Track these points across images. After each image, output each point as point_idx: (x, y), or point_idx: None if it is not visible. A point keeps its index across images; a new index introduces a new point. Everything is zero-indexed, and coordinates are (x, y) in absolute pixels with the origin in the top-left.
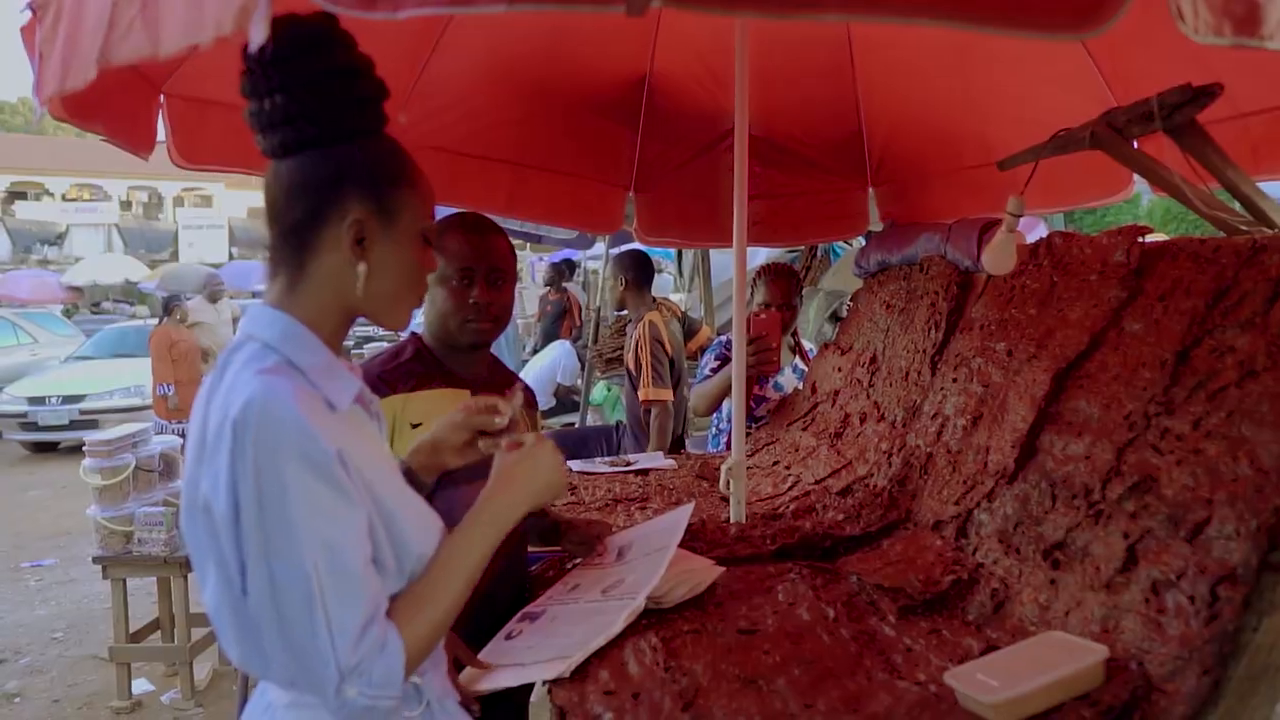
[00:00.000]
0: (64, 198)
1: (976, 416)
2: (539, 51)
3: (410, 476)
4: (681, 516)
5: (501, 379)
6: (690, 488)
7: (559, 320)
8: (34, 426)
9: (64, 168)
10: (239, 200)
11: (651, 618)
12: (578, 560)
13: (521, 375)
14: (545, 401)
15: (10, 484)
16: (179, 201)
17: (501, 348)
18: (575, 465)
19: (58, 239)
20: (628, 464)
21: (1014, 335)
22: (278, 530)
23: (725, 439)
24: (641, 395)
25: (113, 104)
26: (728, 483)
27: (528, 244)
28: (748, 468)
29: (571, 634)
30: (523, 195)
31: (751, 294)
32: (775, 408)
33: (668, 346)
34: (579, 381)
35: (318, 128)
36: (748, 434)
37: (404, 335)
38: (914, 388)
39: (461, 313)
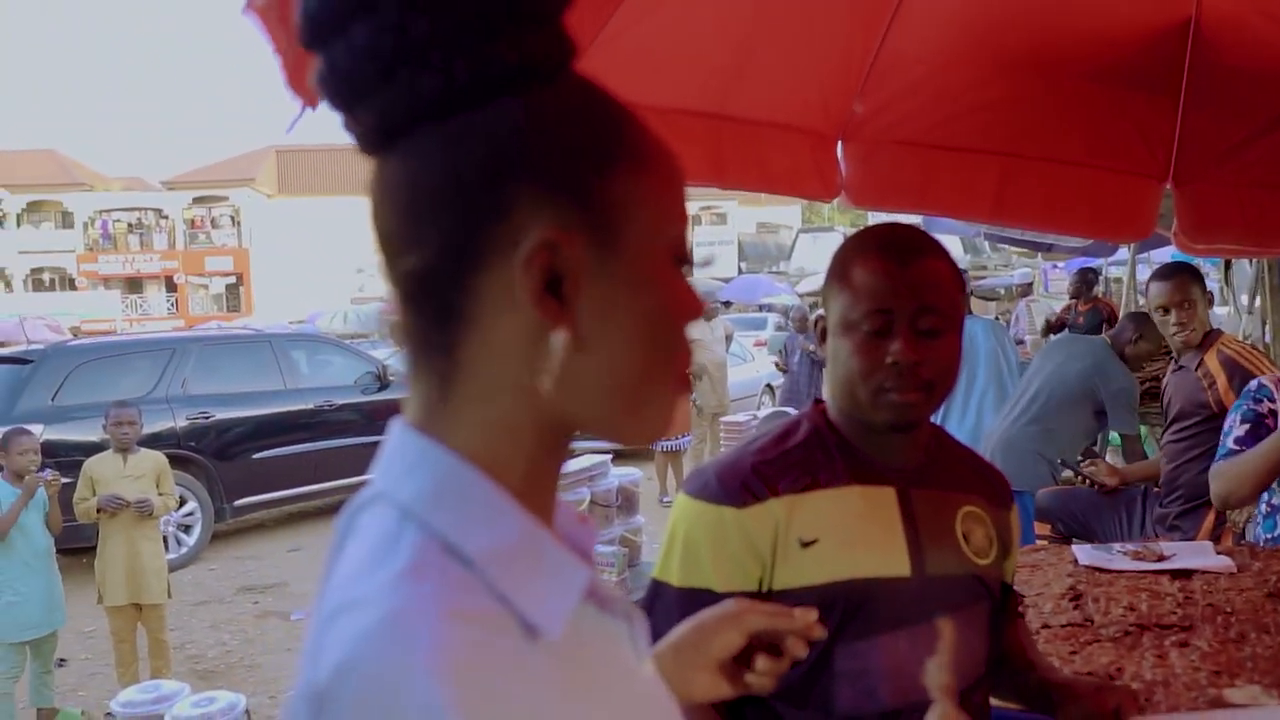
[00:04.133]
0: None
1: None
2: (1028, 5)
3: None
4: None
5: (952, 468)
6: (1259, 614)
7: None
8: None
9: None
10: (749, 216)
11: None
12: None
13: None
14: None
15: None
16: (695, 220)
17: (988, 390)
18: (1083, 555)
19: None
20: (1160, 558)
21: None
22: None
23: None
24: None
25: None
26: None
27: (1039, 253)
28: None
29: None
30: (1015, 194)
31: None
32: None
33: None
34: None
35: (441, 73)
36: None
37: (799, 409)
38: None
39: (875, 376)
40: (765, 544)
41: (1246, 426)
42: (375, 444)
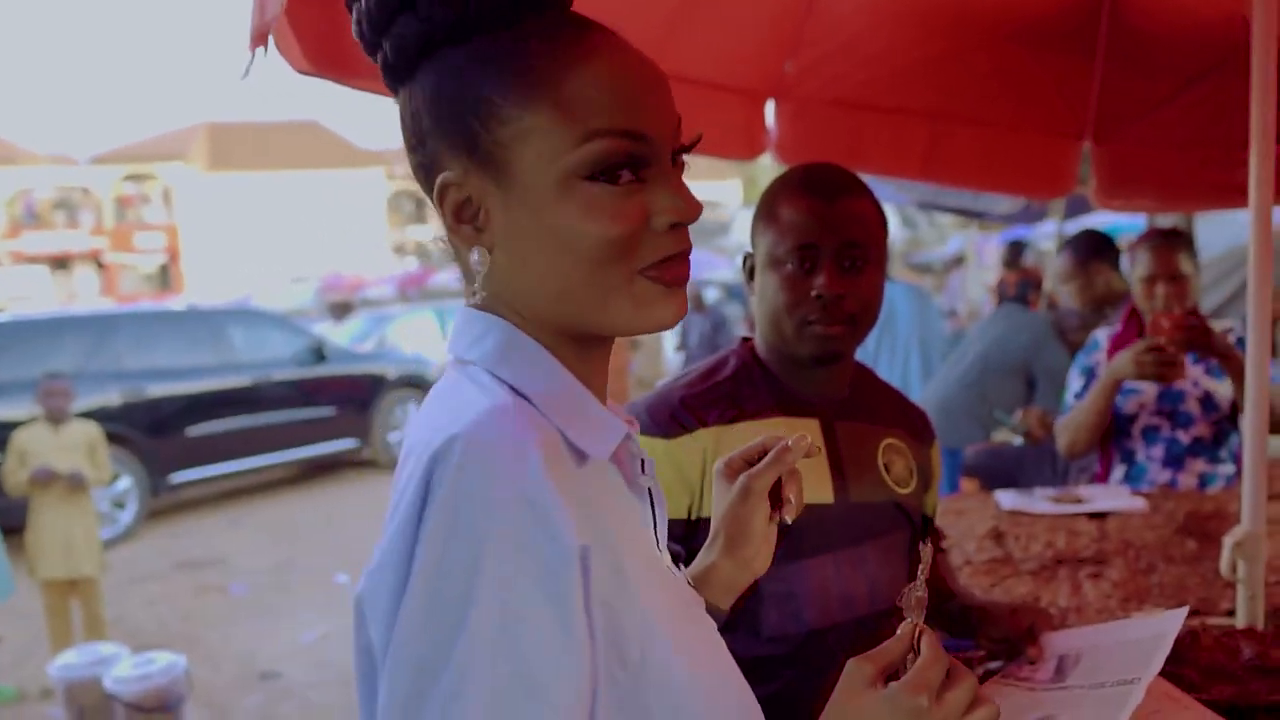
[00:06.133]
0: None
1: None
2: None
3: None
4: (1163, 631)
5: (875, 402)
6: (1170, 548)
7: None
8: None
9: None
10: None
11: None
12: (996, 665)
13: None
14: None
15: None
16: None
17: (910, 355)
18: (1006, 499)
19: None
20: (1079, 501)
21: None
22: (441, 650)
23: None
24: None
25: None
26: (1234, 565)
27: (974, 221)
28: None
29: None
30: (942, 153)
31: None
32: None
33: None
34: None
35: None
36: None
37: (728, 345)
38: None
39: (800, 309)
40: (694, 473)
41: (1082, 381)
42: (314, 419)
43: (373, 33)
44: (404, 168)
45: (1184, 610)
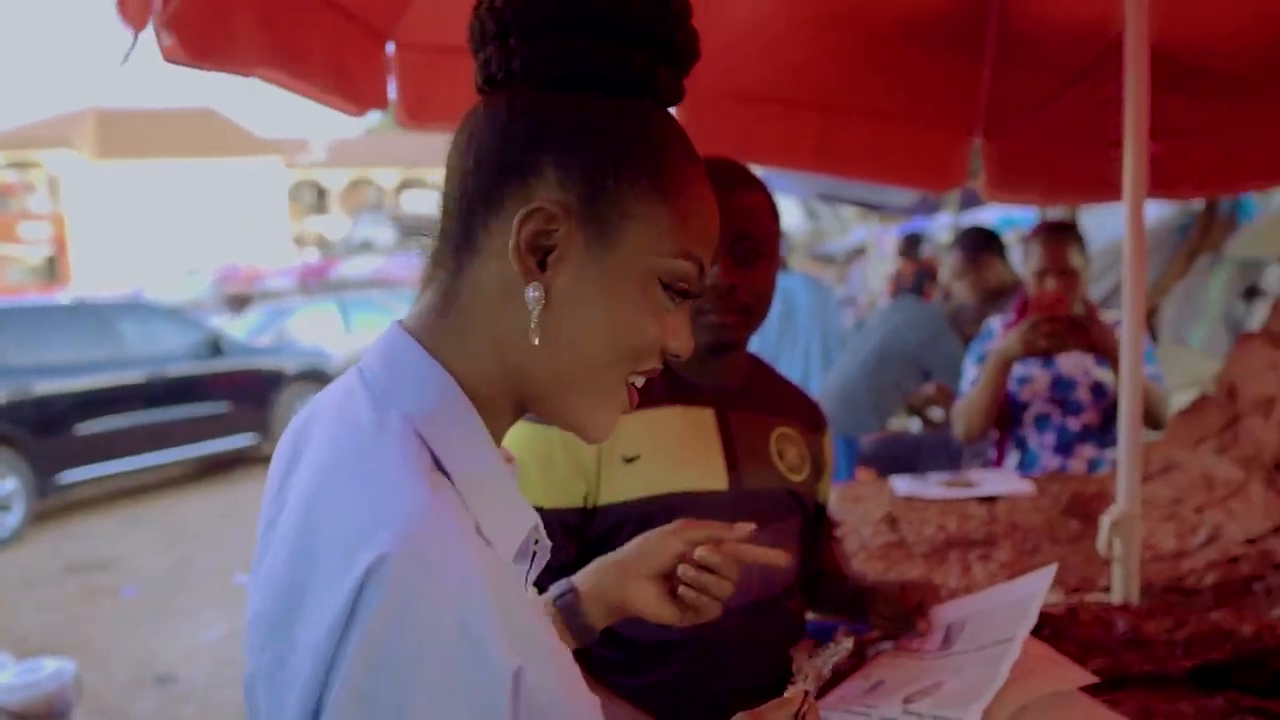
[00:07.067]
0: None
1: None
2: None
3: (569, 609)
4: (1034, 590)
5: (768, 393)
6: (1055, 529)
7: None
8: None
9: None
10: None
11: None
12: (886, 645)
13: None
14: None
15: None
16: None
17: (810, 346)
18: (900, 485)
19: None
20: (970, 485)
21: None
22: None
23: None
24: None
25: (322, 54)
26: (1111, 543)
27: (874, 214)
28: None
29: None
30: (835, 146)
31: (1025, 261)
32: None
33: None
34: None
35: (535, 51)
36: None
37: None
38: None
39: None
40: (590, 462)
41: (978, 369)
42: (210, 415)
43: (540, 28)
44: (305, 157)
45: (1052, 568)
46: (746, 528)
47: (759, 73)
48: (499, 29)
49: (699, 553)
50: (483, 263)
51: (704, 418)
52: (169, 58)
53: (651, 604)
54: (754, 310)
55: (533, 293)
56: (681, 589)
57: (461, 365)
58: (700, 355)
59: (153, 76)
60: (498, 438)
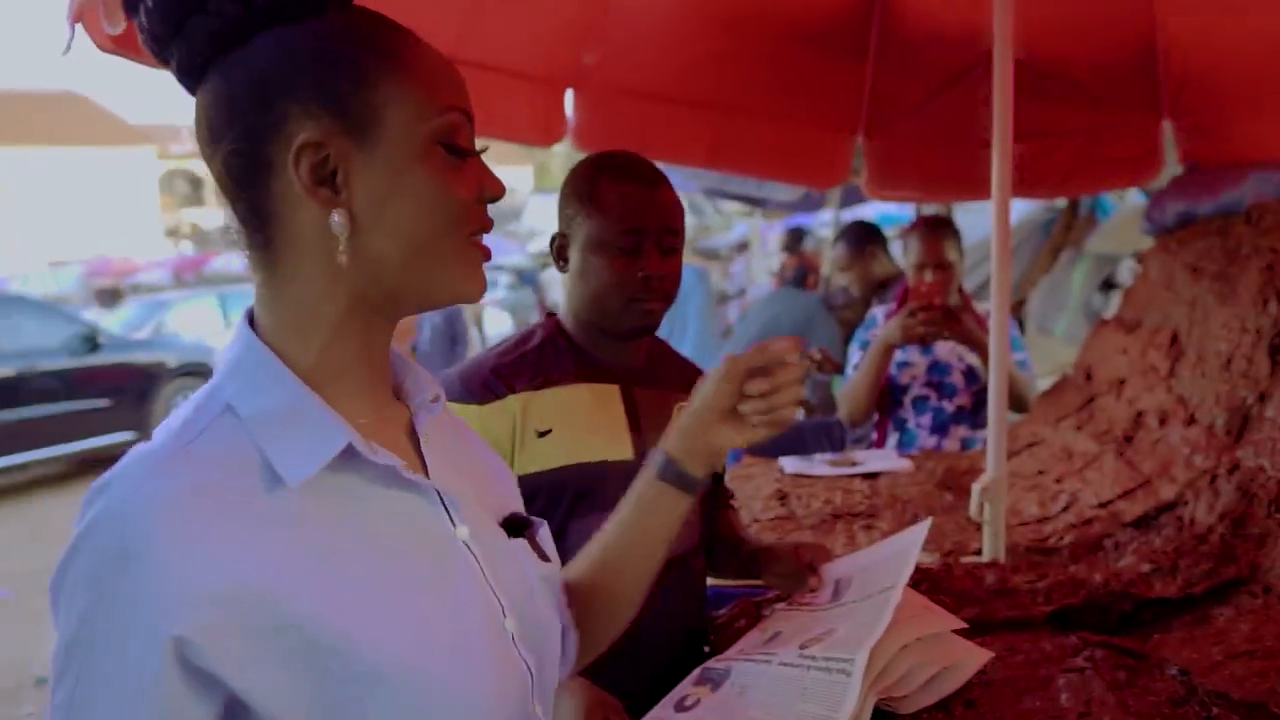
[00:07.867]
0: None
1: None
2: None
3: (673, 472)
4: (911, 542)
5: (668, 370)
6: (931, 501)
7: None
8: None
9: None
10: None
11: None
12: (780, 603)
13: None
14: None
15: None
16: None
17: (687, 324)
18: (788, 464)
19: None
20: (853, 464)
21: None
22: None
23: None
24: None
25: None
26: (982, 507)
27: (758, 210)
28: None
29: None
30: (728, 144)
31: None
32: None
33: None
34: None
35: (202, 22)
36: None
37: (536, 320)
38: (1242, 381)
39: (628, 289)
40: (505, 436)
41: (861, 354)
42: (86, 411)
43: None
44: (179, 146)
45: (927, 522)
46: (783, 343)
47: (656, 72)
48: (166, 32)
49: (750, 387)
50: (288, 223)
51: (610, 394)
52: (103, 48)
53: (737, 438)
54: (671, 298)
55: (337, 218)
56: (755, 419)
57: (284, 317)
58: (616, 338)
59: (16, 60)
60: (381, 351)
